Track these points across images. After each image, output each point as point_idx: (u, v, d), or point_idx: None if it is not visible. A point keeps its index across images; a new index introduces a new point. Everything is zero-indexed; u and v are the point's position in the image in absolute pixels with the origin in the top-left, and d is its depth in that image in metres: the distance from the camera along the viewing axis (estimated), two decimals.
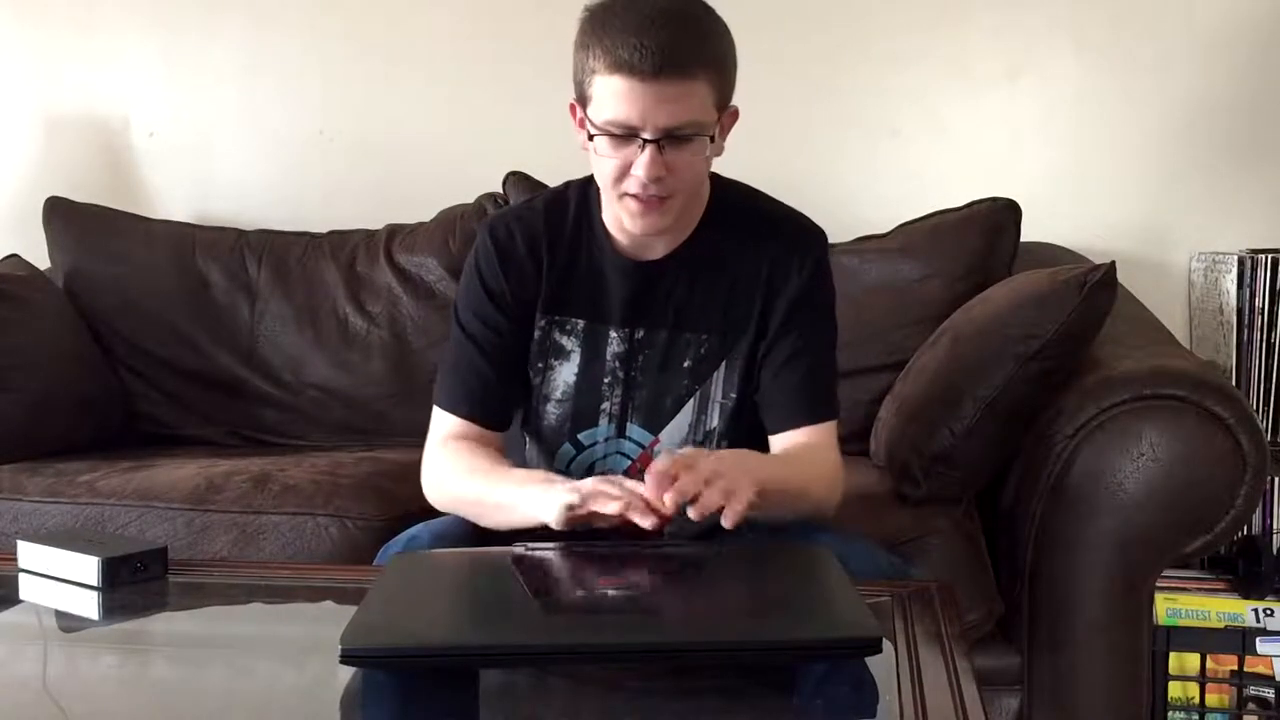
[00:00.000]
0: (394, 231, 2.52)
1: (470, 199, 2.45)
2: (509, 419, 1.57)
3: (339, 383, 2.45)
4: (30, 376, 2.28)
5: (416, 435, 2.36)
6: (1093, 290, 1.74)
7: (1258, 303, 2.25)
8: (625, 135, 1.36)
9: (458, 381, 1.55)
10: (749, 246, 1.51)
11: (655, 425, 1.53)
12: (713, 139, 1.40)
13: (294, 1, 2.71)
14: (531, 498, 1.38)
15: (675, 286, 1.52)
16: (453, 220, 2.45)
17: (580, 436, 1.54)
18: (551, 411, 1.54)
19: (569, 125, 1.47)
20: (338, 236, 2.55)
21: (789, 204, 1.58)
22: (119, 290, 2.51)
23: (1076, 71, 2.49)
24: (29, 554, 1.39)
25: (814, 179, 2.37)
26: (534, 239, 1.52)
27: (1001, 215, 2.23)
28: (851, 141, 2.55)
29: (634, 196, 1.41)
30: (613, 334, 1.52)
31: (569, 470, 1.54)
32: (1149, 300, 2.25)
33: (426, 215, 2.49)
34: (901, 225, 2.32)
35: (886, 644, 1.12)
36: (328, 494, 1.93)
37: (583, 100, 1.40)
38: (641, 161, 1.37)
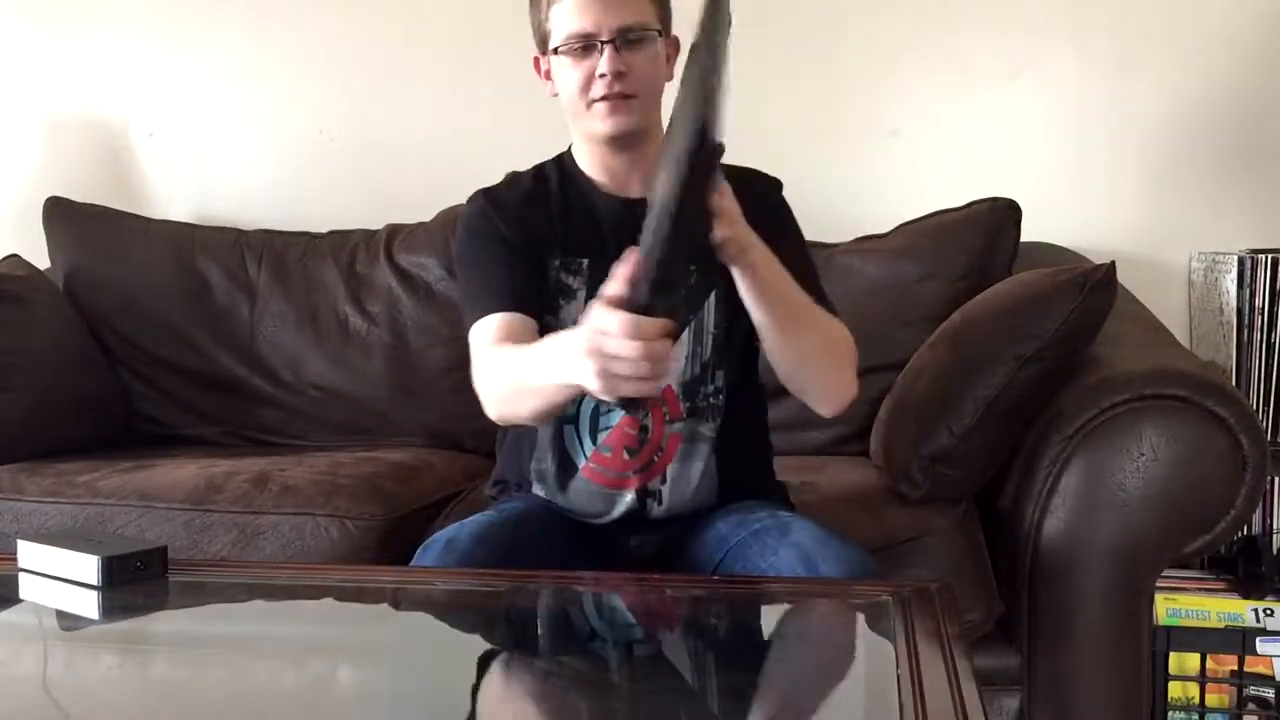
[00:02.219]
0: (394, 231, 2.52)
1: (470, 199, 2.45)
2: (538, 309, 1.57)
3: (339, 383, 2.45)
4: (30, 376, 2.28)
5: (416, 435, 2.39)
6: (1093, 290, 1.74)
7: (1258, 303, 2.25)
8: (585, 47, 1.52)
9: (482, 291, 1.58)
10: (734, 182, 1.49)
11: None
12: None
13: (294, 2, 2.71)
14: (555, 347, 1.36)
15: None
16: (453, 220, 2.44)
17: None
18: None
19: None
20: (338, 236, 2.55)
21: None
22: (119, 290, 2.51)
23: (1076, 71, 2.49)
24: (29, 554, 1.39)
25: (814, 179, 2.36)
26: (525, 194, 1.63)
27: (1001, 215, 2.23)
28: (851, 141, 2.55)
29: (602, 99, 1.53)
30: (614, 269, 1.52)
31: (580, 407, 1.58)
32: (1149, 300, 2.25)
33: (426, 215, 2.49)
34: (901, 225, 2.32)
35: (886, 644, 1.13)
36: (328, 494, 1.93)
37: (544, 42, 1.57)
38: (604, 60, 1.51)
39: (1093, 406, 1.69)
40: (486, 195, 1.64)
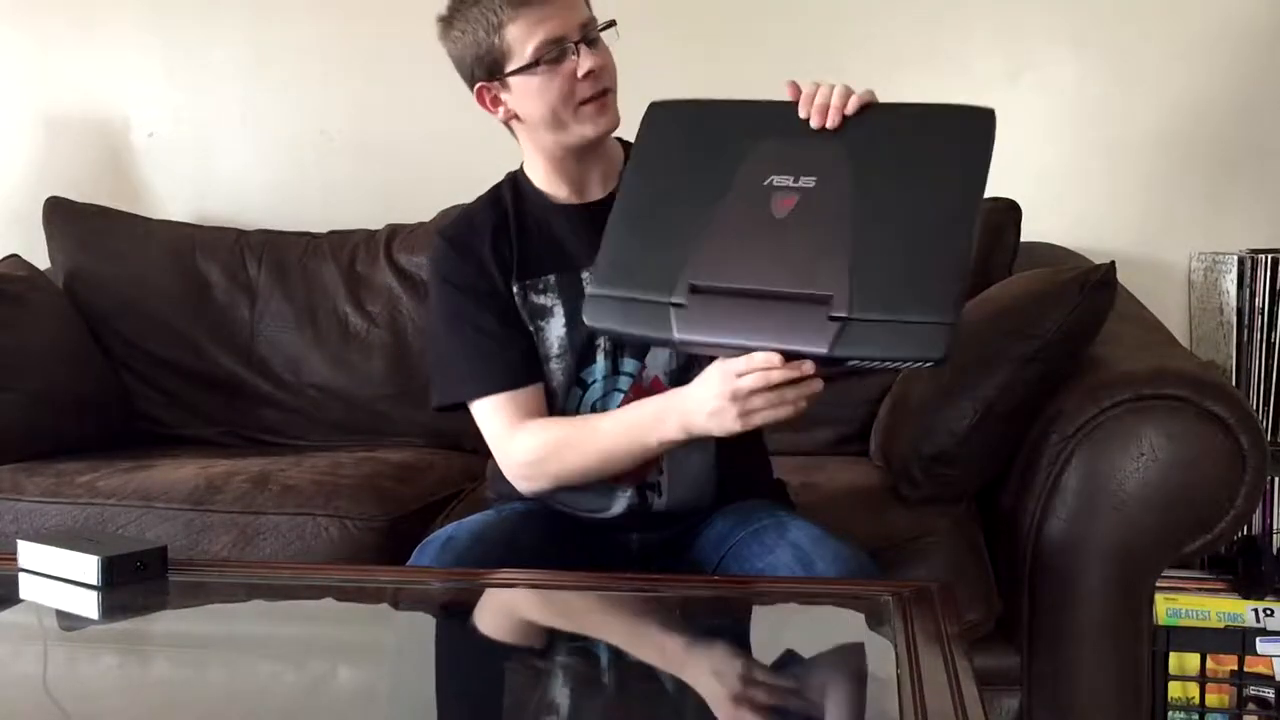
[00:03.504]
0: (394, 231, 2.52)
1: (470, 199, 2.45)
2: (541, 371, 1.59)
3: (339, 383, 2.45)
4: (30, 376, 2.28)
5: (416, 435, 2.39)
6: (1093, 290, 1.74)
7: (1258, 303, 2.25)
8: (558, 53, 1.49)
9: (478, 366, 1.57)
10: None
11: (640, 351, 1.57)
12: None
13: (294, 2, 2.71)
14: (674, 413, 1.43)
15: None
16: None
17: (582, 374, 1.58)
18: (555, 369, 1.58)
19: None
20: (338, 236, 2.55)
21: None
22: (119, 290, 2.51)
23: (1076, 71, 2.49)
24: (29, 554, 1.39)
25: None
26: (482, 227, 1.60)
27: (1001, 215, 2.23)
28: None
29: (590, 99, 1.51)
30: (585, 275, 1.54)
31: (578, 406, 1.58)
32: (1149, 300, 2.25)
33: (426, 215, 2.49)
34: None
35: (886, 644, 1.13)
36: (328, 494, 1.93)
37: (495, 67, 1.52)
38: (585, 57, 1.49)
39: (1093, 406, 1.69)
40: (448, 241, 1.62)
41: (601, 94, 1.52)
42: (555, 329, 1.57)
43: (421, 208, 2.49)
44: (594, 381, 1.58)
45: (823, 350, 1.31)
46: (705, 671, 1.17)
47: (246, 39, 2.74)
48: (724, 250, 1.37)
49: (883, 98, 1.44)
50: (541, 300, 1.58)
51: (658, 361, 1.57)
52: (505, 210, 1.61)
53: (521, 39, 1.49)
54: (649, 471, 1.57)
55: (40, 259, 2.56)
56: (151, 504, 1.95)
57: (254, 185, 2.75)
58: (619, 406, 1.56)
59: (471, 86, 1.56)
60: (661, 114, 1.51)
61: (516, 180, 1.64)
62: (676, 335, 1.37)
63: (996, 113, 1.41)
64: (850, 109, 1.40)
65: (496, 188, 1.65)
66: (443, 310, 1.61)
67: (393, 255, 2.48)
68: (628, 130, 1.54)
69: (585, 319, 1.44)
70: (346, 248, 2.52)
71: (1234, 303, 2.25)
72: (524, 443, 1.54)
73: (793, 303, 1.33)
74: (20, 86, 2.81)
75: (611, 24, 1.54)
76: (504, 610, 1.41)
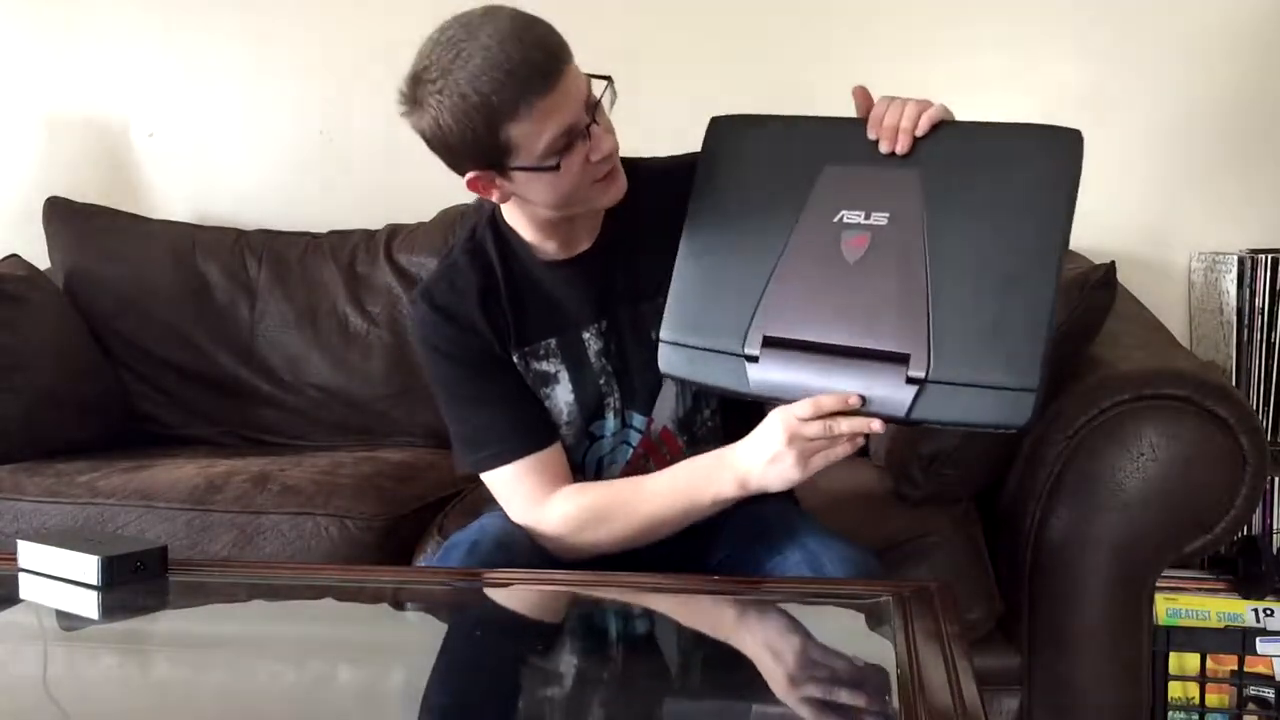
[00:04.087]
0: (394, 231, 2.52)
1: (470, 199, 2.44)
2: (554, 430, 1.53)
3: (339, 383, 2.45)
4: (30, 376, 2.28)
5: (416, 435, 2.39)
6: (1093, 290, 1.74)
7: (1258, 303, 2.25)
8: (569, 142, 1.36)
9: (487, 432, 1.50)
10: (657, 198, 1.49)
11: (647, 406, 1.54)
12: None
13: (294, 1, 2.71)
14: (728, 468, 1.41)
15: (614, 265, 1.52)
16: (452, 220, 2.45)
17: (592, 429, 1.55)
18: (565, 434, 1.53)
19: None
20: (338, 236, 2.55)
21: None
22: (119, 290, 2.51)
23: (1076, 71, 2.49)
24: (29, 554, 1.39)
25: None
26: (468, 289, 1.50)
27: None
28: None
29: (603, 177, 1.41)
30: (585, 335, 1.51)
31: (584, 459, 1.55)
32: (1149, 300, 2.25)
33: (426, 215, 2.49)
34: None
35: (886, 643, 1.13)
36: (328, 494, 1.93)
37: (495, 163, 1.38)
38: (599, 139, 1.38)
39: (1093, 406, 1.69)
40: (433, 307, 1.50)
41: (613, 168, 1.42)
42: (563, 394, 1.52)
43: (421, 208, 2.49)
44: (603, 436, 1.55)
45: (900, 414, 1.29)
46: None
47: (247, 39, 2.74)
48: (796, 298, 1.35)
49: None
50: (545, 366, 1.51)
51: (664, 413, 1.54)
52: (492, 268, 1.51)
53: (530, 136, 1.34)
54: None
55: (40, 259, 2.56)
56: (151, 504, 1.95)
57: (254, 185, 2.75)
58: (628, 460, 1.54)
59: (460, 173, 1.42)
60: (724, 131, 1.46)
61: (499, 230, 1.52)
62: (751, 389, 1.35)
63: (1083, 134, 1.33)
64: (921, 130, 1.36)
65: (473, 238, 1.54)
66: (440, 381, 1.53)
67: (393, 255, 2.48)
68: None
69: (659, 365, 1.42)
70: (346, 248, 2.52)
71: (1234, 303, 2.25)
72: (560, 509, 1.47)
73: (868, 360, 1.30)
74: (21, 86, 2.81)
75: (608, 82, 1.40)
76: (505, 611, 1.41)
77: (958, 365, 1.27)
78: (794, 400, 1.33)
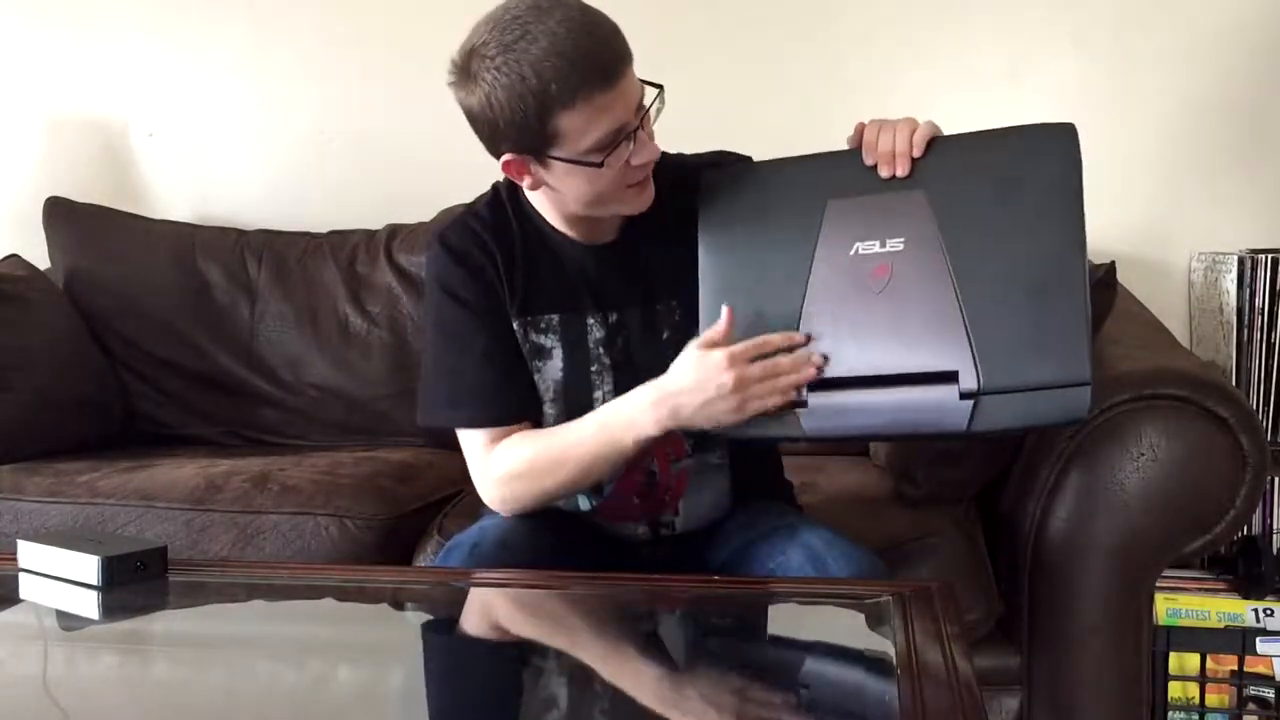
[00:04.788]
0: (394, 231, 2.52)
1: (470, 199, 2.45)
2: (536, 403, 1.52)
3: (339, 383, 2.45)
4: (30, 376, 2.28)
5: (416, 435, 2.38)
6: (1093, 290, 1.73)
7: (1258, 303, 2.25)
8: (614, 143, 1.35)
9: (470, 392, 1.51)
10: (681, 198, 1.48)
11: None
12: None
13: (294, 1, 2.72)
14: (646, 418, 1.39)
15: (636, 261, 1.51)
16: None
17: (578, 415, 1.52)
18: (548, 412, 1.52)
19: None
20: (338, 236, 2.56)
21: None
22: (119, 290, 2.51)
23: (1076, 71, 2.49)
24: (29, 554, 1.39)
25: None
26: (486, 243, 1.50)
27: None
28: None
29: (636, 184, 1.41)
30: (590, 321, 1.50)
31: None
32: (1149, 300, 2.25)
33: (426, 215, 2.49)
34: None
35: (886, 643, 1.13)
36: (328, 494, 1.93)
37: (536, 149, 1.37)
38: (644, 144, 1.37)
39: (1093, 406, 1.69)
40: (450, 250, 1.51)
41: (647, 175, 1.42)
42: (552, 371, 1.51)
43: (421, 208, 2.49)
44: None
45: (961, 429, 1.28)
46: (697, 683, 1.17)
47: (247, 39, 2.74)
48: (829, 338, 1.34)
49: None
50: (541, 340, 1.51)
51: None
52: (510, 231, 1.51)
53: (579, 129, 1.33)
54: (662, 511, 1.56)
55: (40, 259, 2.56)
56: (151, 504, 1.95)
57: (254, 185, 2.76)
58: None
59: (495, 154, 1.41)
60: (719, 187, 1.45)
61: (520, 201, 1.52)
62: (807, 434, 1.35)
63: (1076, 126, 1.34)
64: (917, 150, 1.36)
65: (497, 196, 1.54)
66: (438, 324, 1.53)
67: (393, 255, 2.48)
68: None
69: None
70: (346, 248, 2.52)
71: (1234, 303, 2.25)
72: (499, 460, 1.48)
73: (917, 385, 1.30)
74: (20, 86, 2.81)
75: (660, 91, 1.38)
76: (499, 612, 1.41)
77: (1008, 372, 1.27)
78: (851, 439, 1.34)
